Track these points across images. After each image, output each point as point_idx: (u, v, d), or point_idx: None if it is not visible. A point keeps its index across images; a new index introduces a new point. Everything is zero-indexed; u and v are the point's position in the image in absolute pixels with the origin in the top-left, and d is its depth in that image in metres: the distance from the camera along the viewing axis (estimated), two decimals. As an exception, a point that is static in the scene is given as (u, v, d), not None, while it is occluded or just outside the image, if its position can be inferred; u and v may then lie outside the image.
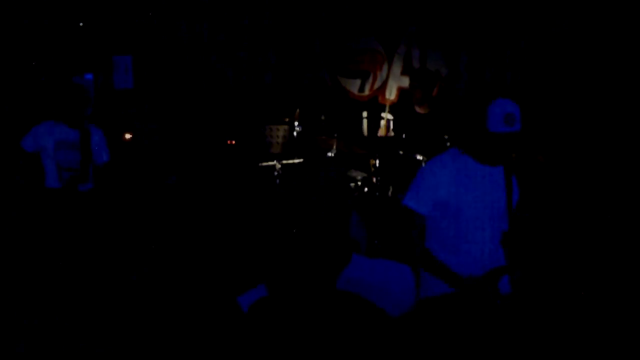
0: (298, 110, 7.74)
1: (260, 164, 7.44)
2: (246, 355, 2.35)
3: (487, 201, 3.73)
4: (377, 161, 6.92)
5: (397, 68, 8.30)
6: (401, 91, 8.20)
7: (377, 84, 8.41)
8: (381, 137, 7.64)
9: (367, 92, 8.48)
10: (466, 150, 3.80)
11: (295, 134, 7.65)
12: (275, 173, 7.28)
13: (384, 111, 8.00)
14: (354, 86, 8.57)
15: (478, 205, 3.74)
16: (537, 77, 7.43)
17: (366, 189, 7.10)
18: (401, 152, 6.72)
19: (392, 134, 7.45)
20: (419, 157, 6.72)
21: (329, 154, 7.35)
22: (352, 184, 7.07)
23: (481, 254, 3.72)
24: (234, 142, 8.47)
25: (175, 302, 4.83)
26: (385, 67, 8.35)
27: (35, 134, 5.94)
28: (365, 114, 8.01)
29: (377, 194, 6.81)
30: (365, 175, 7.22)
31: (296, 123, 7.65)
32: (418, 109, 7.11)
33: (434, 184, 3.80)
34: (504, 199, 3.68)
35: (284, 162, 7.38)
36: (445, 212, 3.79)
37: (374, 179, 7.01)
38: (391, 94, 8.32)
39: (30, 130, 5.97)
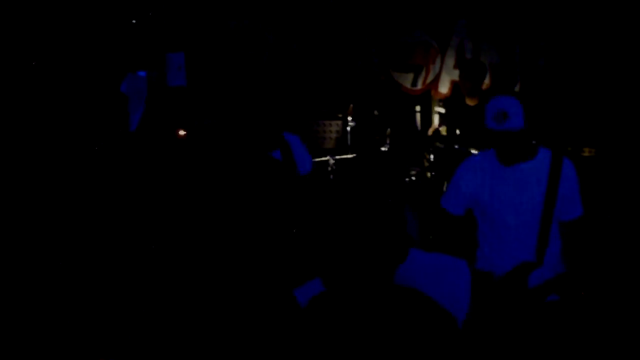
0: (351, 105, 7.73)
1: (313, 160, 7.44)
2: (308, 351, 2.34)
3: (521, 201, 3.68)
4: (431, 155, 6.88)
5: (450, 61, 8.22)
6: (454, 85, 8.13)
7: (430, 78, 8.34)
8: (435, 131, 7.60)
9: (420, 86, 8.42)
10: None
11: (348, 129, 7.64)
12: (329, 168, 7.28)
13: (437, 105, 7.96)
14: (406, 80, 8.51)
15: (510, 205, 3.70)
16: (585, 67, 7.30)
17: (420, 184, 7.07)
18: (456, 146, 6.67)
19: (444, 128, 7.40)
20: (474, 151, 6.66)
21: (383, 149, 7.34)
22: (407, 179, 7.05)
23: (514, 252, 3.68)
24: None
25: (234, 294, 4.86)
26: (438, 61, 8.28)
27: None
28: (418, 108, 7.98)
29: (432, 188, 6.78)
30: (419, 169, 7.19)
31: (349, 118, 7.64)
32: (468, 101, 7.05)
33: (464, 185, 3.84)
34: (536, 197, 3.64)
35: (338, 157, 7.38)
36: (479, 211, 3.84)
37: (428, 174, 6.97)
38: (444, 88, 8.24)
39: None
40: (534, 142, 3.74)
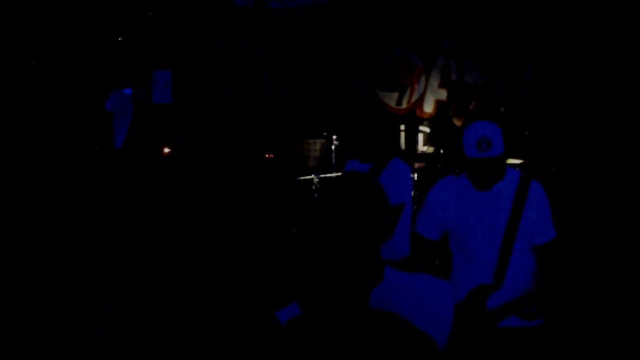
0: (336, 123, 7.74)
1: (298, 178, 7.44)
2: None
3: (485, 224, 3.62)
4: (415, 175, 6.89)
5: (434, 81, 8.25)
6: (439, 104, 8.15)
7: (415, 97, 8.37)
8: (419, 151, 7.62)
9: (404, 105, 8.45)
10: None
11: (333, 147, 7.64)
12: (313, 187, 7.27)
13: (421, 124, 7.98)
14: (391, 99, 8.54)
15: (476, 228, 3.65)
16: (564, 87, 7.35)
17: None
18: (439, 166, 6.68)
19: (430, 147, 7.42)
20: (458, 171, 6.68)
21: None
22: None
23: (479, 276, 3.62)
24: (272, 155, 8.50)
25: (214, 314, 4.84)
26: (422, 80, 8.31)
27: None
28: (402, 127, 7.99)
29: (415, 207, 6.77)
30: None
31: (334, 137, 7.64)
32: (456, 122, 7.07)
33: (437, 208, 3.78)
34: (501, 220, 3.58)
35: (322, 175, 7.37)
36: (451, 235, 3.79)
37: (412, 193, 6.97)
38: (429, 107, 8.27)
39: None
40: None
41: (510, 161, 6.30)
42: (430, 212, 3.83)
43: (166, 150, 8.69)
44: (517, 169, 3.91)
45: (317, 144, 8.15)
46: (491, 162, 3.48)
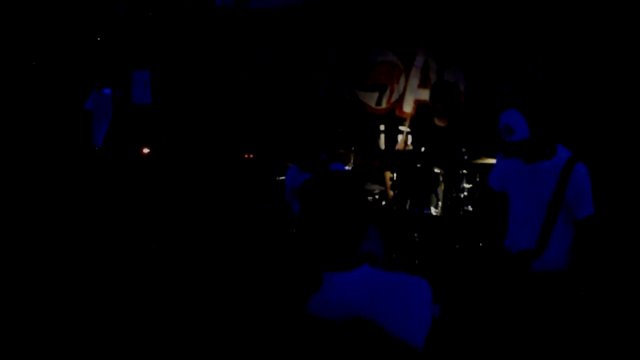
0: (316, 123, 7.74)
1: (278, 178, 7.44)
2: None
3: (529, 193, 4.30)
4: (395, 174, 6.91)
5: (414, 81, 8.27)
6: (418, 104, 8.17)
7: (394, 97, 8.39)
8: (399, 150, 7.63)
9: (384, 105, 8.47)
10: None
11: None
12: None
13: (401, 124, 7.99)
14: (371, 99, 8.55)
15: (521, 195, 4.38)
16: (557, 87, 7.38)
17: (383, 202, 7.09)
18: (419, 165, 6.71)
19: (410, 147, 7.43)
20: (437, 170, 6.70)
21: (347, 167, 7.35)
22: (370, 198, 7.06)
23: (524, 235, 4.32)
24: (251, 155, 8.49)
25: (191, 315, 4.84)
26: (402, 80, 8.32)
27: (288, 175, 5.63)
28: (382, 127, 8.00)
29: (395, 207, 6.79)
30: (382, 188, 7.21)
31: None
32: (438, 122, 7.09)
33: (500, 169, 4.63)
34: (545, 194, 4.20)
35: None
36: (506, 192, 4.53)
37: (391, 192, 6.99)
38: (408, 107, 8.28)
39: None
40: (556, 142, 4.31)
41: (487, 161, 6.37)
42: (496, 171, 4.68)
43: (145, 150, 8.66)
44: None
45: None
46: (518, 145, 4.14)
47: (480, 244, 6.05)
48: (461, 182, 6.46)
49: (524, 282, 4.28)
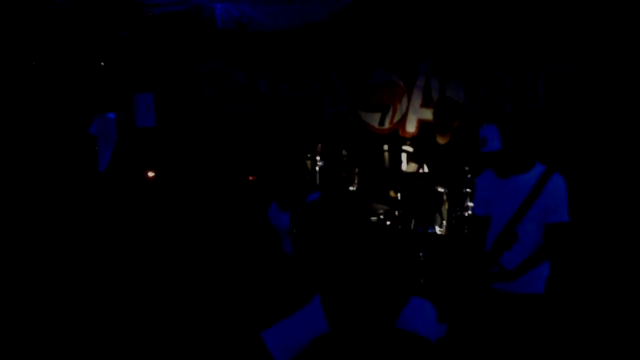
0: (319, 145, 7.76)
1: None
2: None
3: (504, 207, 4.44)
4: (399, 194, 6.93)
5: (416, 100, 8.29)
6: (421, 123, 8.20)
7: (397, 117, 8.42)
8: (403, 171, 7.65)
9: (387, 125, 8.50)
10: None
11: (317, 169, 7.66)
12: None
13: (404, 144, 8.01)
14: (374, 120, 8.59)
15: (497, 211, 4.52)
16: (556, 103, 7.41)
17: (388, 222, 7.09)
18: (418, 183, 6.73)
19: (413, 167, 7.45)
20: (440, 189, 6.72)
21: (351, 188, 7.37)
22: (374, 218, 7.07)
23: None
24: (255, 178, 8.52)
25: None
26: (405, 100, 8.35)
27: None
28: (386, 147, 8.02)
29: (400, 227, 6.81)
30: (387, 208, 7.21)
31: (318, 158, 7.67)
32: (440, 140, 7.11)
33: (479, 191, 4.78)
34: (518, 204, 4.35)
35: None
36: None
37: (396, 212, 7.00)
38: (411, 127, 8.31)
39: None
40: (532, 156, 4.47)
41: None
42: (477, 194, 4.83)
43: (150, 174, 8.69)
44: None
45: (307, 165, 8.18)
46: (491, 156, 4.38)
47: (456, 267, 6.05)
48: (465, 201, 6.47)
49: (496, 301, 4.46)
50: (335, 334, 2.70)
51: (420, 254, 6.44)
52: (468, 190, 6.46)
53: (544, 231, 4.36)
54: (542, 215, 4.33)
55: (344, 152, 7.81)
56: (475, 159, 6.52)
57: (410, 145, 7.86)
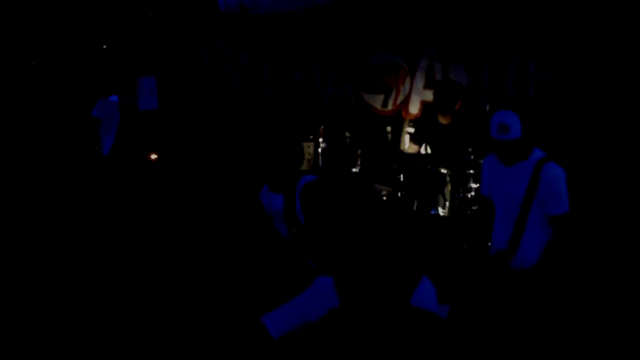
0: (322, 127, 7.76)
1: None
2: None
3: (507, 194, 4.51)
4: (402, 175, 6.93)
5: (419, 82, 8.27)
6: (424, 105, 8.18)
7: (400, 99, 8.40)
8: (405, 152, 7.65)
9: (390, 107, 8.49)
10: None
11: (320, 150, 7.67)
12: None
13: (407, 126, 8.01)
14: (377, 101, 8.58)
15: (501, 196, 4.60)
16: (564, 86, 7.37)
17: (391, 204, 7.10)
18: (420, 163, 6.74)
19: (415, 148, 7.44)
20: (443, 171, 6.72)
21: (354, 170, 7.37)
22: (377, 199, 7.08)
23: (503, 234, 4.54)
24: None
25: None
26: (407, 82, 8.33)
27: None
28: (389, 128, 8.01)
29: (402, 208, 6.82)
30: (390, 189, 7.22)
31: (320, 140, 7.67)
32: (441, 120, 7.09)
33: (485, 175, 4.80)
34: (520, 192, 4.40)
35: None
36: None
37: (399, 194, 7.01)
38: (414, 108, 8.29)
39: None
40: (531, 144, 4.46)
41: None
42: (483, 177, 4.84)
43: (153, 156, 8.70)
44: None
45: (310, 147, 8.18)
46: (508, 144, 4.34)
47: (465, 246, 6.03)
48: (468, 182, 6.46)
49: (503, 281, 4.49)
50: (349, 311, 2.77)
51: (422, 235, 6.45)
52: (471, 171, 6.46)
53: (550, 224, 4.41)
54: (541, 205, 4.39)
55: (347, 134, 7.80)
56: (480, 142, 6.52)
57: (413, 126, 7.86)
